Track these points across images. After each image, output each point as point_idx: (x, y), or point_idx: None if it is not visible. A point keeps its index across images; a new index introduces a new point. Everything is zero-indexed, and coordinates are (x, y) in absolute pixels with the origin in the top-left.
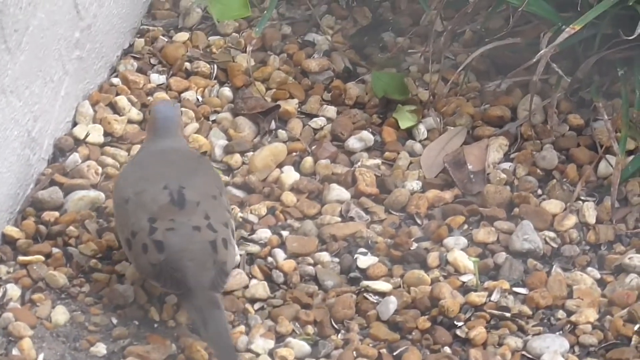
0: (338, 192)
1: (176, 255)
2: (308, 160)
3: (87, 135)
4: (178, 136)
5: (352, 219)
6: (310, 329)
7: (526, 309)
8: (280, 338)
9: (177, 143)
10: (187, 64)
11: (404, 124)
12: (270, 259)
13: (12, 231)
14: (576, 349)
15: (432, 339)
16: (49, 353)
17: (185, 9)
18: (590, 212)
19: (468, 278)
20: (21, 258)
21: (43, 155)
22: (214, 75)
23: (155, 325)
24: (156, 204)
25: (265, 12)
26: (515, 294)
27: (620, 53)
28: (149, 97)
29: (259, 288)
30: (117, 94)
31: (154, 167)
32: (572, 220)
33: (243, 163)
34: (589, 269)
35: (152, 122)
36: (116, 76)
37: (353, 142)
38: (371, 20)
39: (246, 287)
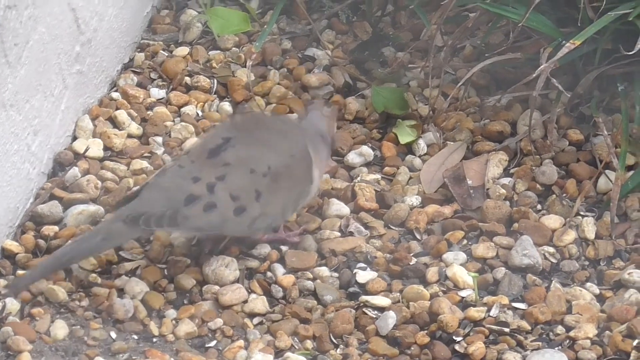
0: (337, 206)
1: (153, 185)
2: None
3: (86, 150)
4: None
5: (351, 233)
6: (309, 343)
7: (525, 324)
8: (279, 353)
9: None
10: (187, 79)
11: (404, 139)
12: (269, 273)
13: (12, 245)
14: None
15: (431, 354)
16: None
17: (185, 24)
18: (589, 227)
19: (467, 293)
20: (20, 272)
21: (43, 169)
22: (214, 89)
23: (154, 339)
24: (203, 145)
25: (265, 26)
26: (514, 309)
27: (620, 68)
28: (148, 112)
29: (258, 303)
30: (117, 109)
31: (253, 123)
32: (571, 235)
33: None
34: (588, 284)
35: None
36: (116, 90)
37: (353, 157)
38: (371, 35)
39: (245, 301)
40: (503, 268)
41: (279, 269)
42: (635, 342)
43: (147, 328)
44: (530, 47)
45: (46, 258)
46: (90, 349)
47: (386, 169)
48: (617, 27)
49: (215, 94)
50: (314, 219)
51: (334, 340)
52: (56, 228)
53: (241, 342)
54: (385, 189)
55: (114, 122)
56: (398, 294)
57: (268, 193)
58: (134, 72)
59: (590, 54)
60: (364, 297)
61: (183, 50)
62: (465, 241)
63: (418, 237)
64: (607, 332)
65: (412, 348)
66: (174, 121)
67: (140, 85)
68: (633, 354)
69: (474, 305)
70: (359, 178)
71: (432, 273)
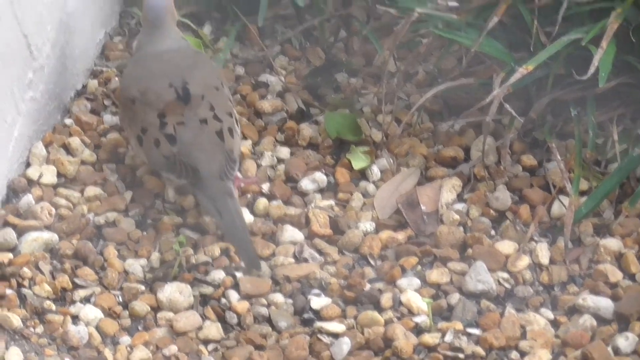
0: (291, 233)
1: (188, 147)
2: (262, 202)
3: (40, 177)
4: (170, 26)
5: (305, 260)
6: None
7: (479, 350)
8: None
9: (171, 36)
10: None
11: (357, 164)
12: (223, 300)
13: None
14: None
15: None
16: None
17: None
18: (543, 252)
19: (421, 319)
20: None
21: None
22: None
23: None
24: (163, 101)
25: (219, 53)
26: (469, 334)
27: (573, 93)
28: (102, 138)
29: (213, 329)
30: (71, 135)
31: (155, 65)
32: (525, 261)
33: (196, 204)
34: (543, 309)
35: (144, 13)
36: (69, 117)
37: (306, 183)
38: (324, 61)
39: (200, 328)
40: (457, 294)
41: (234, 295)
42: None
43: (102, 355)
44: (483, 72)
45: (232, 236)
46: None
47: (340, 195)
48: (570, 52)
49: None
50: (267, 245)
51: None
52: (10, 255)
53: None
54: (339, 215)
55: (68, 149)
56: (352, 319)
57: (230, 94)
58: (87, 98)
59: (543, 79)
60: (318, 323)
61: None
62: (419, 267)
63: (372, 263)
64: (562, 357)
65: None
66: (127, 147)
67: (93, 111)
68: None
69: (428, 331)
70: (312, 204)
71: (386, 299)
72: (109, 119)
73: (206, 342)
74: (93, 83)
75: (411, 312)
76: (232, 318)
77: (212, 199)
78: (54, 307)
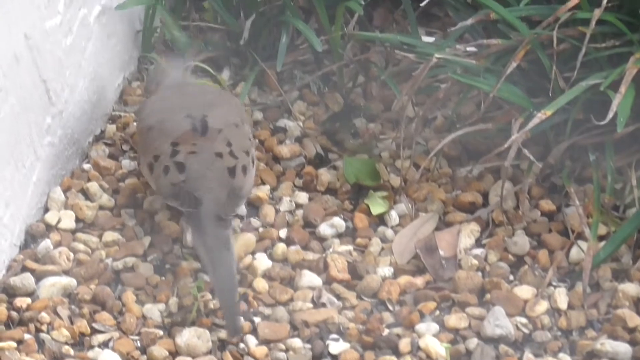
0: (310, 278)
1: (195, 177)
2: (280, 247)
3: (58, 221)
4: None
5: (323, 305)
6: None
7: None
8: None
9: (189, 79)
10: None
11: (376, 210)
12: (242, 345)
13: None
14: None
15: None
16: None
17: None
18: (561, 297)
19: None
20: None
21: (15, 241)
22: None
23: None
24: (179, 131)
25: (237, 97)
26: None
27: (591, 138)
28: (120, 183)
29: None
30: (89, 180)
31: (176, 98)
32: (543, 305)
33: None
34: (561, 354)
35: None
36: (88, 162)
37: (325, 229)
38: (343, 106)
39: None
40: (475, 339)
41: (252, 340)
42: None
43: None
44: (501, 117)
45: (221, 293)
46: None
47: (358, 240)
48: (589, 97)
49: None
50: (285, 290)
51: None
52: (29, 300)
53: None
54: (358, 260)
55: (86, 194)
56: None
57: (250, 133)
58: (106, 143)
59: (562, 124)
60: None
61: None
62: (437, 312)
63: (390, 308)
64: None
65: None
66: (145, 193)
67: (111, 156)
68: None
69: None
70: (331, 249)
71: (404, 344)
72: (127, 163)
73: None
74: (111, 128)
75: (429, 357)
76: None
77: (209, 248)
78: (72, 352)
